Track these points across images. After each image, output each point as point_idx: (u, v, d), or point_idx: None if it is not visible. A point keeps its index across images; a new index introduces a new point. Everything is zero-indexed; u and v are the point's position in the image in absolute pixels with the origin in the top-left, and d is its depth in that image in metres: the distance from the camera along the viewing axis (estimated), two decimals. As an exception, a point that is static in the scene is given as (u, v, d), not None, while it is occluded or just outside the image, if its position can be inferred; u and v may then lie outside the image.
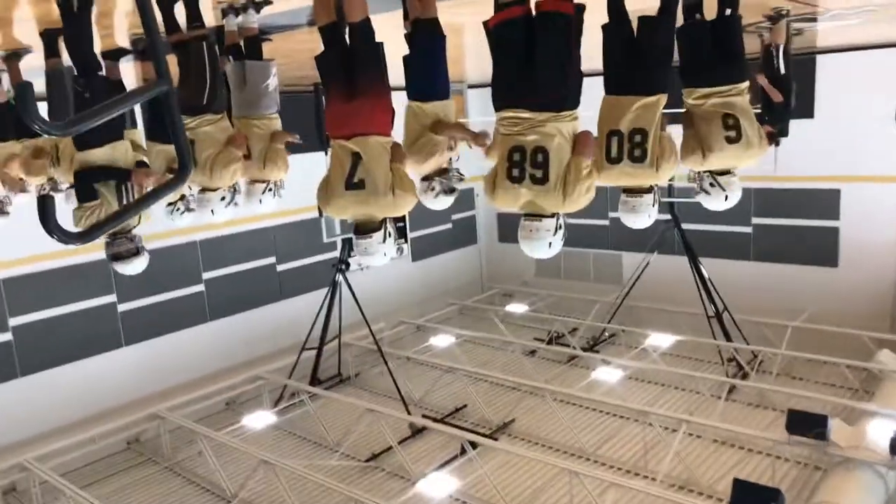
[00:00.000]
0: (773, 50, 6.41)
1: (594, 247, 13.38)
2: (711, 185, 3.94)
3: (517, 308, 13.14)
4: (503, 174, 2.98)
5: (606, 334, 12.00)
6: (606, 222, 12.67)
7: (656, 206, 3.69)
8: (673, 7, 3.51)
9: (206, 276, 10.86)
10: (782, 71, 6.42)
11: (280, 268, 11.85)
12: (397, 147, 3.28)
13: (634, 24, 3.58)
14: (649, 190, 3.62)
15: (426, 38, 3.76)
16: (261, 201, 4.73)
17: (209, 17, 4.56)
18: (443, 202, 4.00)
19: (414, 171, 3.79)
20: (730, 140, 3.69)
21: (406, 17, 4.00)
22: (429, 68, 3.82)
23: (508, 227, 14.54)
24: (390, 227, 3.25)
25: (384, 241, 3.20)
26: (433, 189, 3.95)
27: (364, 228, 3.22)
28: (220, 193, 4.37)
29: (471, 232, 15.35)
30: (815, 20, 7.03)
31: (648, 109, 3.43)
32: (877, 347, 9.82)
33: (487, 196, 3.11)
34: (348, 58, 3.21)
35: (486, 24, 3.16)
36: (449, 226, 14.56)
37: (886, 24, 7.50)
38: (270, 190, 4.73)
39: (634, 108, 3.44)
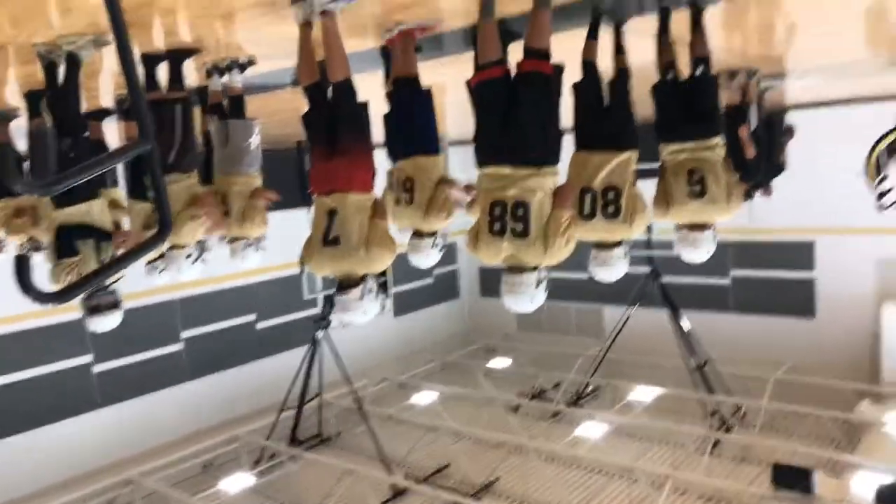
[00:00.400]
0: (746, 108, 6.63)
1: (575, 300, 13.42)
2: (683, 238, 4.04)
3: (500, 363, 13.05)
4: (485, 228, 3.04)
5: (590, 388, 11.93)
6: (586, 275, 12.72)
7: (626, 258, 3.78)
8: (625, 77, 3.70)
9: (185, 334, 10.71)
10: (753, 126, 6.64)
11: (260, 325, 11.73)
12: (379, 204, 3.31)
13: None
14: (619, 243, 3.71)
15: (418, 94, 3.88)
16: (243, 258, 4.74)
17: (193, 77, 4.65)
18: (435, 258, 4.03)
19: (433, 227, 3.92)
20: (693, 195, 3.81)
21: (387, 76, 4.12)
22: (428, 122, 3.94)
23: (491, 282, 14.60)
24: (371, 284, 3.23)
25: (362, 297, 3.18)
26: (437, 245, 3.97)
27: (344, 284, 3.21)
28: (186, 251, 4.38)
29: (453, 286, 15.36)
30: (783, 77, 7.31)
31: (621, 167, 3.57)
32: (857, 398, 9.85)
33: (470, 249, 3.16)
34: (331, 117, 3.27)
35: (468, 83, 3.27)
36: (431, 280, 14.57)
37: (852, 81, 7.79)
38: (251, 246, 4.75)
39: (608, 166, 3.55)
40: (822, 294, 11.46)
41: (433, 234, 3.97)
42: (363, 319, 3.22)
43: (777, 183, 8.11)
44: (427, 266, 4.11)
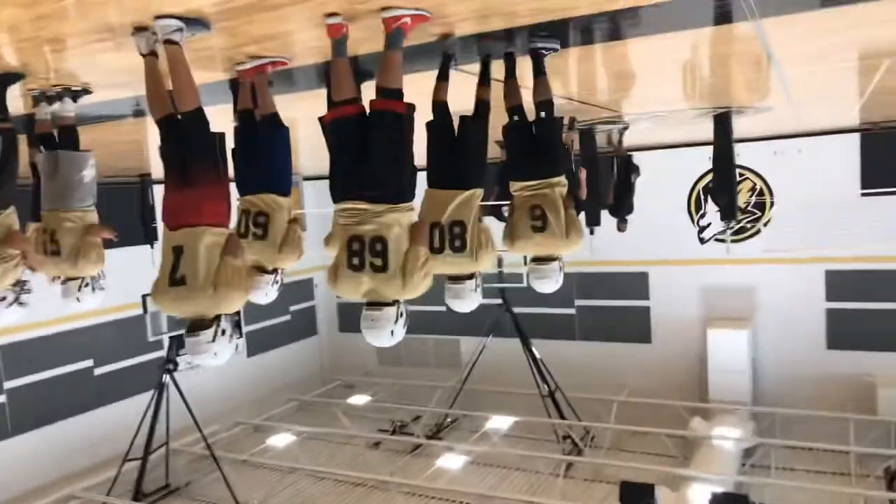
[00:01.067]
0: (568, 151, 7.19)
1: (433, 332, 13.60)
2: (535, 271, 4.25)
3: (360, 399, 12.92)
4: (344, 263, 3.07)
5: (449, 420, 12.08)
6: (443, 308, 12.97)
7: (479, 290, 3.95)
8: (485, 111, 3.88)
9: (8, 385, 9.68)
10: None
11: (98, 371, 10.85)
12: (232, 239, 3.18)
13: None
14: (471, 276, 3.87)
15: (279, 132, 3.90)
16: (78, 299, 4.40)
17: (19, 105, 4.31)
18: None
19: (286, 264, 3.98)
20: (535, 229, 4.04)
21: (235, 108, 4.06)
22: (286, 162, 3.96)
23: (349, 317, 14.46)
24: (224, 325, 3.06)
25: (214, 339, 2.99)
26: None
27: (194, 326, 3.02)
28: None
29: (310, 323, 15.05)
30: (619, 124, 7.96)
31: (465, 203, 3.74)
32: (690, 416, 10.71)
33: (331, 285, 3.16)
34: (182, 148, 3.15)
35: (321, 119, 3.28)
36: (287, 317, 14.20)
37: (677, 128, 8.60)
38: (87, 285, 4.42)
39: (454, 202, 3.72)
40: (656, 321, 12.43)
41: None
42: (216, 362, 3.05)
43: (613, 219, 8.79)
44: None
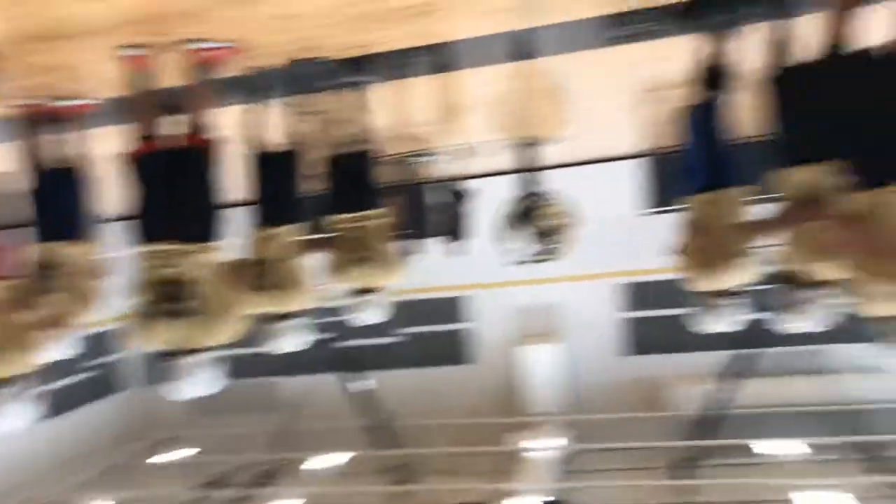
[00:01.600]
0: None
1: (250, 376, 13.02)
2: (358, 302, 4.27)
3: (175, 455, 12.01)
4: (152, 309, 2.89)
5: (276, 465, 11.59)
6: (261, 349, 12.49)
7: (300, 328, 3.91)
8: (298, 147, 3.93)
9: None
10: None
11: None
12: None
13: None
14: (288, 315, 3.83)
15: (77, 177, 3.73)
16: None
17: None
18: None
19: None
20: (360, 260, 4.07)
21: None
22: (87, 206, 3.85)
23: (159, 369, 13.43)
24: (18, 388, 2.86)
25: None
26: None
27: None
28: None
29: (115, 378, 13.78)
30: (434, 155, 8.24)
31: (281, 240, 3.76)
32: (510, 431, 11.23)
33: (133, 335, 2.95)
34: None
35: (125, 155, 3.11)
36: (89, 374, 12.90)
37: (487, 157, 9.04)
38: None
39: (273, 240, 3.67)
40: (476, 342, 12.94)
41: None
42: (14, 426, 2.84)
43: (431, 244, 9.04)
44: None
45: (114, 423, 13.46)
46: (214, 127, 3.06)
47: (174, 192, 2.90)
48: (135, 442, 13.22)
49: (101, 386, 13.26)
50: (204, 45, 2.94)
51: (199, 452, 12.20)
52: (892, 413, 10.40)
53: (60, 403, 12.15)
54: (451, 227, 8.83)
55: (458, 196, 9.01)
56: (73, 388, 12.46)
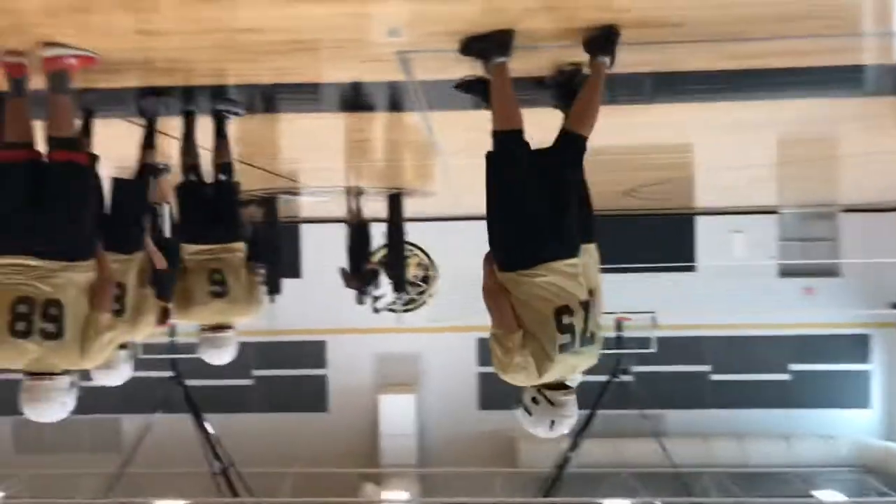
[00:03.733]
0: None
1: (89, 412, 12.04)
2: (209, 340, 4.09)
3: (-14, 497, 10.77)
4: (5, 328, 2.64)
5: (105, 511, 10.68)
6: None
7: (130, 361, 3.74)
8: (147, 171, 3.77)
9: None
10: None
11: None
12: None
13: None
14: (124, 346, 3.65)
15: None
16: None
17: None
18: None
19: None
20: (215, 294, 3.94)
21: None
22: None
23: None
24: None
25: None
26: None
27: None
28: None
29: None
30: (298, 195, 8.20)
31: (128, 263, 3.52)
32: (363, 482, 11.06)
33: None
34: None
35: None
36: None
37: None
38: None
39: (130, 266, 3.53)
40: (333, 389, 12.74)
41: None
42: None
43: (293, 286, 8.90)
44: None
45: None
46: (78, 143, 2.94)
47: (41, 205, 2.72)
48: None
49: None
50: (60, 53, 2.81)
51: (15, 494, 11.00)
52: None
53: None
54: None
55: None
56: None
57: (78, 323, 2.75)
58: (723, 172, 5.12)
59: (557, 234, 2.64)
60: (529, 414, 2.66)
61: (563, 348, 2.55)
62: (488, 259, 2.75)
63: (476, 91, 3.23)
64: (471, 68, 3.00)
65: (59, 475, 11.56)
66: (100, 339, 2.80)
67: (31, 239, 2.71)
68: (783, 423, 12.40)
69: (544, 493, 10.50)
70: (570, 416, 2.65)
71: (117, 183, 3.66)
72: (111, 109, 3.68)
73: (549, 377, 2.59)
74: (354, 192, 8.10)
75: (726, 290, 12.01)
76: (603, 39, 2.74)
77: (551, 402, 2.61)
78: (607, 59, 2.77)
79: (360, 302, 8.70)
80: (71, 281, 2.76)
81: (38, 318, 2.67)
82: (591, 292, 2.70)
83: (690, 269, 12.40)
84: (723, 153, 5.97)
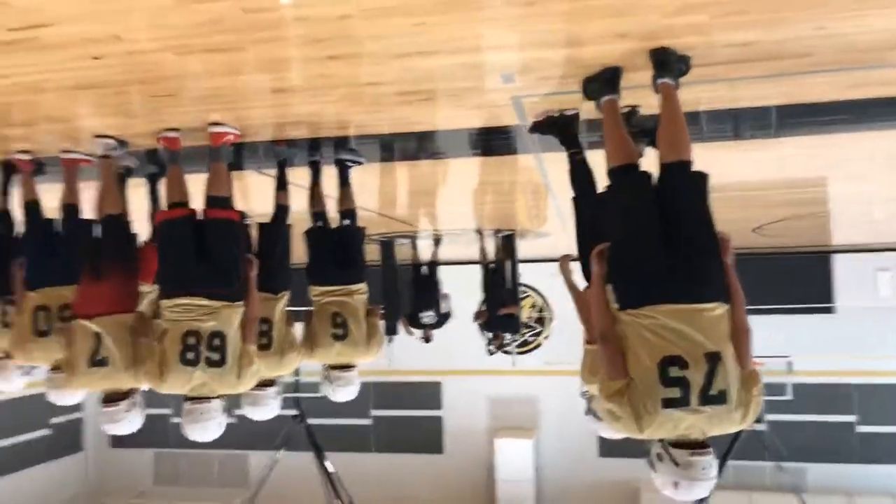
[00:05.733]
0: None
1: (218, 447, 12.67)
2: (333, 379, 4.23)
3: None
4: (176, 357, 3.11)
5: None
6: (234, 420, 12.23)
7: (278, 398, 3.96)
8: (283, 215, 4.10)
9: None
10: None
11: None
12: (144, 320, 3.48)
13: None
14: (272, 382, 3.84)
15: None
16: None
17: None
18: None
19: None
20: (336, 337, 4.07)
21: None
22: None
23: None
24: (138, 397, 3.45)
25: (129, 410, 3.39)
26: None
27: (111, 397, 3.40)
28: None
29: (75, 437, 13.36)
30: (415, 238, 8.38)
31: (272, 302, 3.89)
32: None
33: (155, 380, 3.18)
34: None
35: (153, 218, 3.79)
36: (48, 431, 12.50)
37: (466, 246, 9.19)
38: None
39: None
40: (448, 430, 12.70)
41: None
42: (130, 429, 3.41)
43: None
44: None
45: (67, 485, 12.94)
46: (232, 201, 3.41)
47: (205, 254, 3.28)
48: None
49: (57, 445, 12.81)
50: (224, 130, 3.35)
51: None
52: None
53: (12, 462, 11.73)
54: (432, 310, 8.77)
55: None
56: (27, 446, 12.05)
57: (236, 352, 3.21)
58: (863, 206, 4.74)
59: (675, 274, 2.38)
60: (654, 470, 2.40)
61: (669, 404, 2.28)
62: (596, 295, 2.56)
63: (549, 131, 3.27)
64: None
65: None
66: (252, 367, 3.25)
67: (199, 282, 3.21)
68: (943, 481, 11.13)
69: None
70: (699, 479, 2.30)
71: (262, 229, 3.97)
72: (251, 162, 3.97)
73: (655, 434, 2.33)
74: (484, 234, 8.17)
75: (872, 333, 11.06)
76: (658, 64, 2.58)
77: (675, 462, 2.32)
78: (671, 80, 2.60)
79: (492, 349, 8.67)
80: (231, 316, 3.23)
81: (204, 347, 3.14)
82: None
83: (829, 310, 11.52)
84: (860, 186, 5.58)
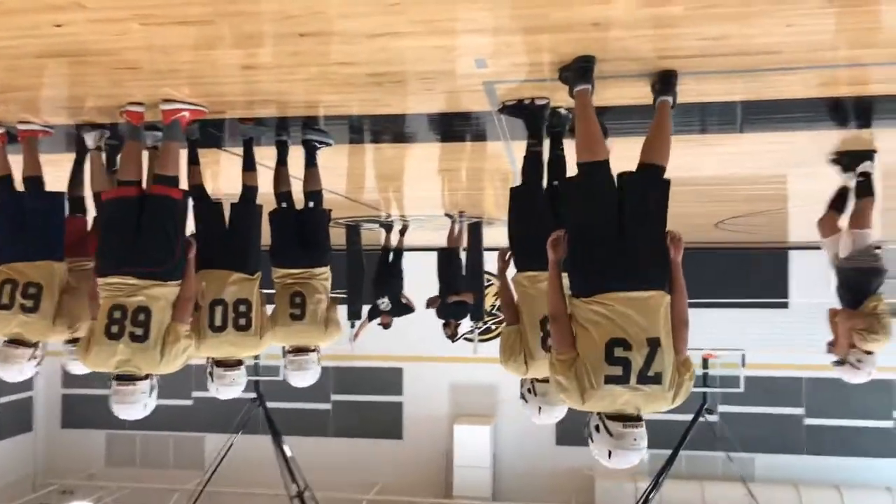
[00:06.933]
0: None
1: (175, 429, 12.52)
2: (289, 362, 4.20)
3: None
4: (102, 330, 3.09)
5: (186, 527, 11.01)
6: (190, 402, 12.09)
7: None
8: (252, 195, 4.00)
9: None
10: None
11: None
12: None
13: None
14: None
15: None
16: None
17: None
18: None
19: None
20: (294, 317, 4.03)
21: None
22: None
23: (76, 411, 12.83)
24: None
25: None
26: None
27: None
28: None
29: (24, 417, 13.03)
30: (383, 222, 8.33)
31: (247, 283, 3.77)
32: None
33: (82, 355, 3.15)
34: None
35: (98, 196, 3.56)
36: (-6, 410, 12.19)
37: (433, 232, 9.20)
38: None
39: (230, 280, 3.67)
40: (408, 416, 12.74)
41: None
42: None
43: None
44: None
45: (14, 465, 12.64)
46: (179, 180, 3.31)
47: (139, 233, 3.19)
48: (34, 488, 12.43)
49: (5, 425, 12.49)
50: (176, 106, 3.22)
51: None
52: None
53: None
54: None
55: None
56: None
57: (161, 330, 3.17)
58: (820, 205, 4.89)
59: (624, 265, 2.59)
60: (591, 440, 2.61)
61: (611, 380, 2.49)
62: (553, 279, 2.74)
63: (517, 114, 3.33)
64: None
65: (145, 489, 12.05)
66: (177, 345, 3.18)
67: (129, 262, 3.16)
68: (886, 473, 11.55)
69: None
70: (631, 449, 2.53)
71: (232, 208, 3.87)
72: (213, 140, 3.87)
73: (595, 406, 2.55)
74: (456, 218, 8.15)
75: (823, 328, 11.37)
76: (663, 82, 2.84)
77: (610, 433, 2.54)
78: (670, 99, 2.85)
79: (447, 334, 8.68)
80: (162, 295, 3.19)
81: (129, 322, 3.11)
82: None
83: (783, 305, 11.84)
84: (819, 184, 5.71)
